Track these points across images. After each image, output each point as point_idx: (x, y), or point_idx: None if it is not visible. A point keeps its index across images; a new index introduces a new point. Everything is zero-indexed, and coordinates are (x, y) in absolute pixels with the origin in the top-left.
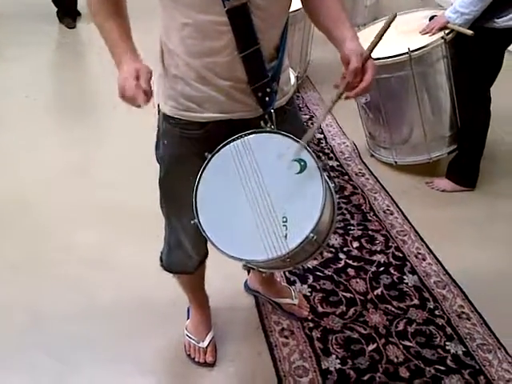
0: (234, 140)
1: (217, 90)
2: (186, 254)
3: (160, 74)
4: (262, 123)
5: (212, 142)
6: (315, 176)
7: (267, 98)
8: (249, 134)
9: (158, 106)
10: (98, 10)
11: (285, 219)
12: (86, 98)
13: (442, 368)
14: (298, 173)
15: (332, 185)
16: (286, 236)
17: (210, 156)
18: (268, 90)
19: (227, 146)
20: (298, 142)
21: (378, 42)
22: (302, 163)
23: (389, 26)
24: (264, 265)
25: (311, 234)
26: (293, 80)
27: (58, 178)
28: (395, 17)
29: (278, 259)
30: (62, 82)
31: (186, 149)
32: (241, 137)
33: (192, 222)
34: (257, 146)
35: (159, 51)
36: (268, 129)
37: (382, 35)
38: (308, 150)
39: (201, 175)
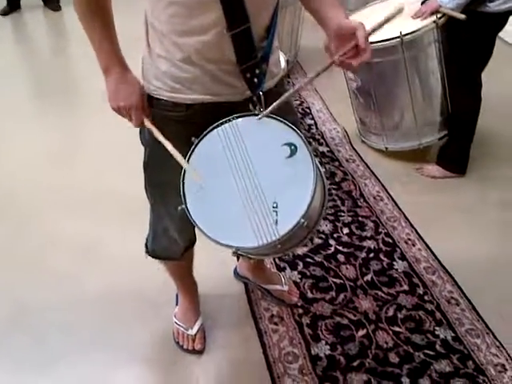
0: (221, 124)
1: (204, 70)
2: (171, 241)
3: (144, 55)
4: (250, 106)
5: (198, 126)
6: (306, 160)
7: (256, 80)
8: (237, 117)
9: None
10: (84, 10)
11: (275, 205)
12: (71, 83)
13: (431, 353)
14: (288, 157)
15: (323, 170)
16: (276, 222)
17: (197, 141)
18: (257, 71)
19: (215, 130)
20: (287, 124)
21: (383, 24)
22: (293, 147)
23: (394, 16)
24: (254, 251)
25: (302, 220)
26: (283, 64)
27: (42, 165)
28: (402, 9)
29: (269, 246)
30: (46, 66)
31: (171, 132)
32: (229, 120)
33: (179, 208)
34: (246, 130)
35: (144, 31)
36: (257, 112)
37: (388, 20)
38: (298, 134)
39: (188, 160)
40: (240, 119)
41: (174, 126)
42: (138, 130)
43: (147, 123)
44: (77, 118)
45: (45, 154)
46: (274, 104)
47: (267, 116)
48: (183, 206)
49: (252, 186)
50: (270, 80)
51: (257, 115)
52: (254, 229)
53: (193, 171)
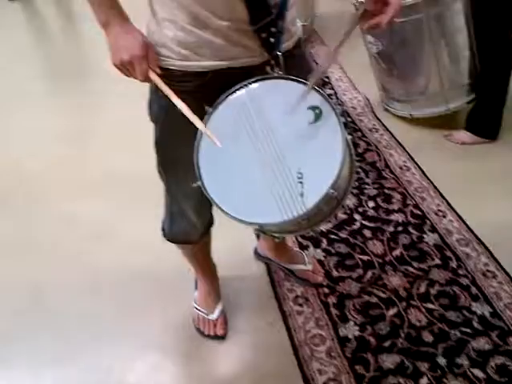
0: (237, 89)
1: (214, 32)
2: (189, 223)
3: (149, 22)
4: (268, 69)
5: (212, 95)
6: (332, 125)
7: (272, 40)
8: (254, 81)
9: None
10: None
11: (300, 175)
12: (82, 64)
13: (468, 330)
14: (312, 122)
15: (349, 136)
16: (302, 194)
17: (211, 109)
18: (273, 29)
19: (230, 96)
20: (307, 84)
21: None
22: (317, 111)
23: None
24: (278, 228)
25: (331, 190)
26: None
27: (53, 147)
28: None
29: (295, 220)
30: (57, 47)
31: (184, 103)
32: (245, 85)
33: (194, 184)
34: (264, 95)
35: None
36: (276, 74)
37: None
38: (323, 96)
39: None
40: (257, 83)
41: (187, 98)
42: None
43: (153, 76)
44: (88, 97)
45: (56, 135)
46: (317, 70)
47: (284, 77)
48: (198, 182)
49: (273, 155)
50: (288, 40)
51: (275, 78)
52: (277, 203)
53: (211, 135)
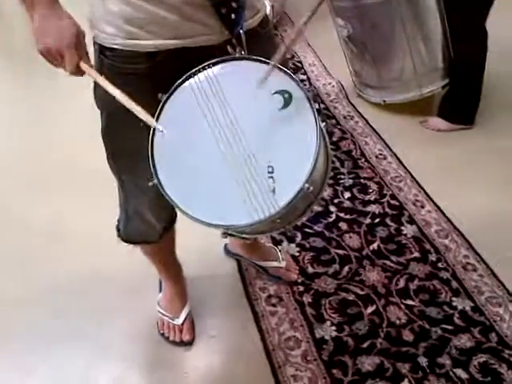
0: (194, 73)
1: (166, 7)
2: (146, 222)
3: None
4: (228, 48)
5: (165, 79)
6: (304, 110)
7: (233, 16)
8: (213, 63)
9: (93, 37)
10: None
11: (270, 169)
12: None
13: (450, 327)
14: (281, 108)
15: (323, 123)
16: (273, 190)
17: (165, 97)
18: (234, 4)
19: (186, 81)
20: (278, 67)
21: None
22: (286, 95)
23: None
24: (248, 229)
25: (306, 185)
26: (268, 9)
27: (7, 136)
28: None
29: (266, 221)
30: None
31: (132, 88)
32: (203, 68)
33: (150, 183)
34: (225, 79)
35: None
36: (237, 55)
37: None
38: (292, 78)
39: (156, 122)
40: (217, 66)
41: (136, 82)
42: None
43: (85, 67)
44: (46, 83)
45: (11, 125)
46: (283, 47)
47: (246, 58)
48: (154, 180)
49: (239, 147)
50: (251, 18)
51: (237, 59)
52: (246, 202)
53: (163, 129)
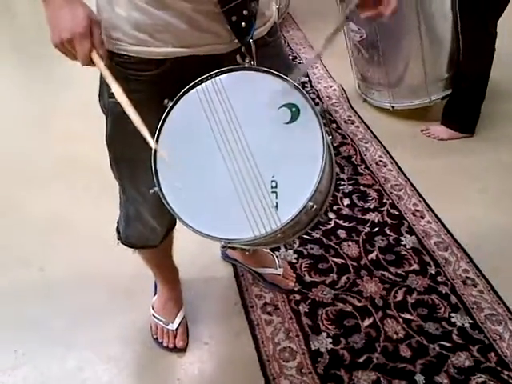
0: (201, 81)
1: (176, 14)
2: (147, 227)
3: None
4: (238, 58)
5: (173, 87)
6: (311, 126)
7: (244, 24)
8: (221, 72)
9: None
10: None
11: (274, 184)
12: (41, 46)
13: (448, 344)
14: (288, 122)
15: (329, 137)
16: (276, 206)
17: (171, 104)
18: (245, 12)
19: (193, 89)
20: (287, 80)
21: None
22: (294, 109)
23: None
24: (249, 243)
25: (309, 203)
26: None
27: (10, 132)
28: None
29: (268, 236)
30: (16, 28)
31: (139, 95)
32: (211, 77)
33: (151, 191)
34: (233, 89)
35: None
36: (247, 65)
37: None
38: (301, 92)
39: (160, 129)
40: (225, 75)
41: (143, 89)
42: None
43: (96, 59)
44: (48, 80)
45: (13, 119)
46: (302, 66)
47: (256, 69)
48: (156, 189)
49: (243, 160)
50: (261, 25)
51: (247, 69)
52: (248, 216)
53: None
